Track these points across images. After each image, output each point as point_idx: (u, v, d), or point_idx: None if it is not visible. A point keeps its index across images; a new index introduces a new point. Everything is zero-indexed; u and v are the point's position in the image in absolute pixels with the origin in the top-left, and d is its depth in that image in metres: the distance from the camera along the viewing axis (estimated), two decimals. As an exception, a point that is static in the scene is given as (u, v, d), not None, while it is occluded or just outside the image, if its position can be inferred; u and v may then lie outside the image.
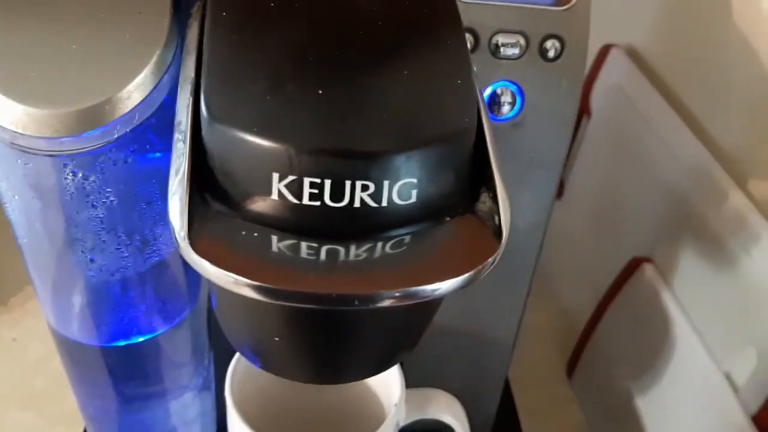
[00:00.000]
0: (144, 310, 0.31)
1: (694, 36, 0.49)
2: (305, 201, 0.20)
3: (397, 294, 0.19)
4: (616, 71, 0.57)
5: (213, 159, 0.21)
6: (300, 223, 0.20)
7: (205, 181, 0.21)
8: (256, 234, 0.20)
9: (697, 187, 0.45)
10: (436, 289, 0.19)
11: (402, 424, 0.34)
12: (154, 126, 0.26)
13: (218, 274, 0.18)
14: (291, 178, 0.19)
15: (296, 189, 0.19)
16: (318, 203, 0.20)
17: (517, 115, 0.32)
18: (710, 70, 0.47)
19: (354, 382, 0.37)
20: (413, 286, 0.19)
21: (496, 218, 0.20)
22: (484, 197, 0.21)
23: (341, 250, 0.20)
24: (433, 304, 0.24)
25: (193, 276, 0.32)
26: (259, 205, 0.20)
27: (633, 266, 0.54)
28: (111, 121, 0.24)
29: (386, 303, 0.19)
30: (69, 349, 0.32)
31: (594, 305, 0.58)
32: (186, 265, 0.31)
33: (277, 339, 0.24)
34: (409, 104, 0.20)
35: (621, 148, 0.56)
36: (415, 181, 0.20)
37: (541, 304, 0.45)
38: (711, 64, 0.47)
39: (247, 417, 0.31)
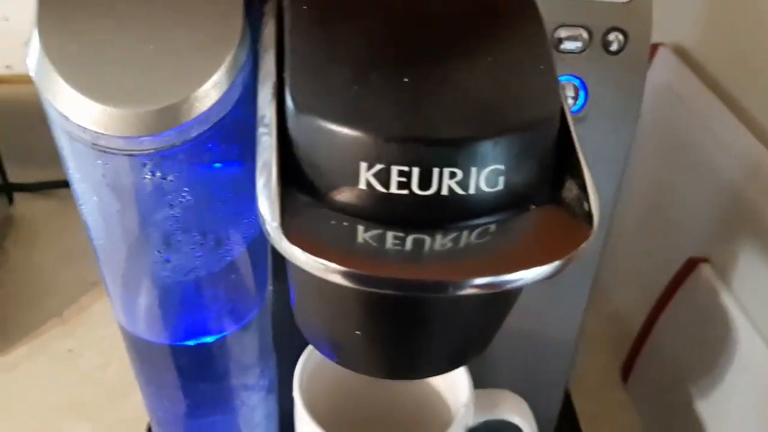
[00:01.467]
0: (214, 310, 0.31)
1: (743, 31, 0.49)
2: (393, 190, 0.20)
3: (490, 281, 0.18)
4: (664, 70, 0.56)
5: (299, 151, 0.21)
6: (387, 212, 0.20)
7: (290, 173, 0.21)
8: (344, 223, 0.20)
9: (754, 184, 0.45)
10: (529, 277, 0.19)
11: (470, 425, 0.34)
12: (229, 125, 0.26)
13: (311, 261, 0.18)
14: (379, 167, 0.19)
15: (384, 178, 0.19)
16: (406, 192, 0.20)
17: (580, 109, 0.32)
18: (762, 65, 0.46)
19: (420, 383, 0.37)
20: (506, 273, 0.19)
21: (585, 205, 0.20)
22: (570, 184, 0.21)
23: (429, 238, 0.20)
24: (513, 296, 0.24)
25: (261, 276, 0.32)
26: (346, 195, 0.20)
27: (690, 267, 0.53)
28: (189, 120, 0.24)
29: (478, 290, 0.19)
30: (139, 348, 0.32)
31: (648, 308, 0.57)
32: (255, 266, 0.31)
33: (357, 332, 0.24)
34: (493, 91, 0.20)
35: (673, 146, 0.55)
36: (502, 167, 0.20)
37: (591, 308, 0.45)
38: (762, 59, 0.46)
39: (315, 416, 0.31)
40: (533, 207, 0.21)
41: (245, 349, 0.34)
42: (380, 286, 0.19)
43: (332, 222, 0.20)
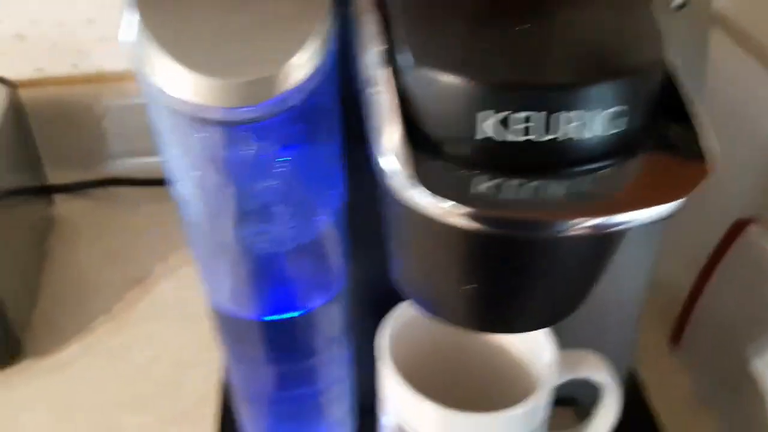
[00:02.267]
0: (303, 284, 0.31)
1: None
2: (511, 138, 0.20)
3: (614, 220, 0.19)
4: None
5: (413, 105, 0.21)
6: (505, 160, 0.20)
7: (405, 129, 0.21)
8: (464, 172, 0.20)
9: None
10: (651, 215, 0.19)
11: (555, 384, 0.34)
12: (320, 95, 0.26)
13: (436, 206, 0.19)
14: (499, 115, 0.20)
15: (503, 126, 0.20)
16: (523, 139, 0.20)
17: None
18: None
19: (503, 348, 0.38)
20: (627, 211, 0.19)
21: (699, 145, 0.20)
22: (678, 129, 0.21)
23: (547, 184, 0.20)
24: (615, 247, 0.24)
25: (343, 252, 0.32)
26: (463, 146, 0.20)
27: (737, 228, 0.53)
28: (286, 89, 0.25)
29: (602, 230, 0.19)
30: (228, 325, 0.32)
31: (695, 273, 0.57)
32: (339, 241, 0.31)
33: (465, 285, 0.24)
34: (603, 37, 0.21)
35: (716, 106, 0.55)
36: (616, 111, 0.20)
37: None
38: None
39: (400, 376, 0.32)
40: (645, 151, 0.21)
41: (330, 323, 0.34)
42: (503, 227, 0.19)
43: (452, 172, 0.20)
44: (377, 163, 0.21)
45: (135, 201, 0.72)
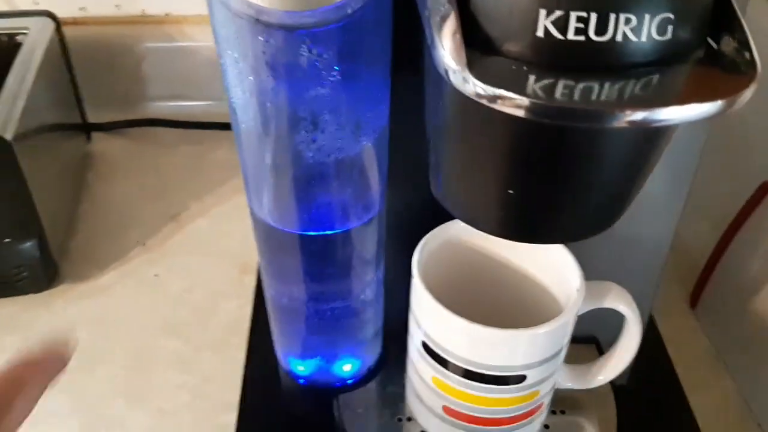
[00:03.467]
0: (345, 202, 0.33)
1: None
2: (570, 36, 0.21)
3: (668, 113, 0.20)
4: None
5: (474, 5, 0.22)
6: (561, 59, 0.21)
7: (465, 27, 0.22)
8: (523, 68, 0.21)
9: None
10: (700, 111, 0.20)
11: (580, 312, 0.36)
12: (378, 6, 0.28)
13: (493, 94, 0.20)
14: (558, 13, 0.21)
15: (562, 24, 0.21)
16: (582, 38, 0.21)
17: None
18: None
19: (531, 271, 0.39)
20: (676, 105, 0.20)
21: (747, 54, 0.22)
22: (727, 39, 0.23)
23: (602, 82, 0.21)
24: (659, 150, 0.26)
25: (382, 173, 0.34)
26: (521, 45, 0.22)
27: (762, 192, 0.53)
28: (346, -4, 0.26)
29: (653, 123, 0.20)
30: (270, 239, 0.34)
31: (717, 236, 0.58)
32: (379, 160, 0.33)
33: (509, 191, 0.25)
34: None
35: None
36: (671, 16, 0.21)
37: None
38: None
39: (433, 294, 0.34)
40: (694, 59, 0.22)
41: (366, 243, 0.36)
42: (556, 117, 0.20)
43: (511, 67, 0.21)
44: (436, 59, 0.22)
45: (171, 142, 0.74)
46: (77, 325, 0.55)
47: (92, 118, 0.72)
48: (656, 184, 0.36)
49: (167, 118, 0.75)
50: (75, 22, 0.73)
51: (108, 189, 0.68)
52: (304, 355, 0.41)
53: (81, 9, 0.73)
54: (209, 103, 0.77)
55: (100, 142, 0.73)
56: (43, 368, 0.27)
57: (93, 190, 0.68)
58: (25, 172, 0.52)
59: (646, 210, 0.39)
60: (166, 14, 0.74)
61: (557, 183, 0.25)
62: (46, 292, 0.58)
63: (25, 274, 0.56)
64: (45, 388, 0.28)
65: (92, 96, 0.72)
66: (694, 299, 0.60)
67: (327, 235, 0.34)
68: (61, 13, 0.66)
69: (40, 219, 0.55)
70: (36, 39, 0.62)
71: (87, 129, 0.72)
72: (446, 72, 0.22)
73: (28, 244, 0.55)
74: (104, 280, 0.60)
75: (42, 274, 0.57)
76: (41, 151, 0.59)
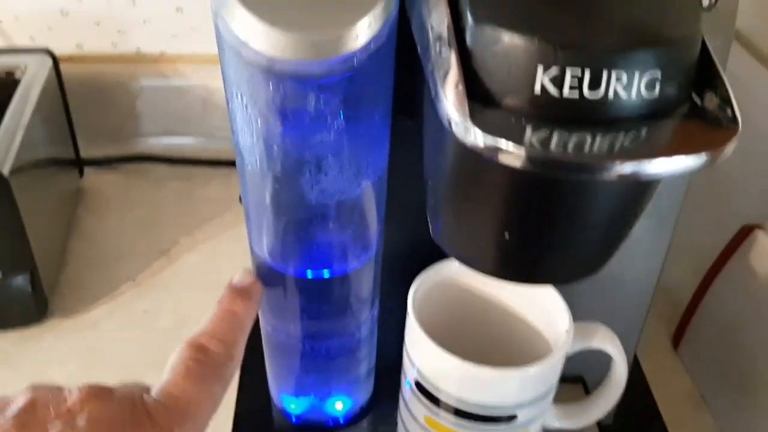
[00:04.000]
0: (343, 245, 0.34)
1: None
2: (565, 92, 0.23)
3: (659, 163, 0.21)
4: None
5: (475, 61, 0.24)
6: (555, 114, 0.23)
7: (467, 82, 0.24)
8: (521, 121, 0.23)
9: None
10: (687, 164, 0.22)
11: (569, 352, 0.37)
12: (383, 55, 0.29)
13: (494, 145, 0.22)
14: (555, 69, 0.22)
15: (558, 81, 0.23)
16: (576, 94, 0.23)
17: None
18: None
19: (520, 316, 0.40)
20: (664, 156, 0.22)
21: (729, 111, 0.23)
22: (710, 96, 0.24)
23: (595, 135, 0.23)
24: (646, 200, 0.27)
25: (380, 215, 0.35)
26: (518, 100, 0.23)
27: (743, 234, 0.55)
28: (354, 48, 0.27)
29: (642, 175, 0.22)
30: (268, 278, 0.35)
31: (699, 277, 0.59)
32: (378, 202, 0.34)
33: (505, 233, 0.27)
34: (651, 9, 0.24)
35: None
36: (659, 74, 0.23)
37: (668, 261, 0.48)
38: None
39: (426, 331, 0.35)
40: (680, 114, 0.24)
41: (363, 284, 0.37)
42: (551, 168, 0.22)
43: (511, 120, 0.23)
44: (440, 110, 0.24)
45: (163, 178, 0.75)
46: (64, 360, 0.55)
47: (85, 153, 0.73)
48: (641, 228, 0.38)
49: (159, 154, 0.76)
50: (72, 59, 0.74)
51: (99, 224, 0.69)
52: (297, 393, 0.42)
53: (78, 46, 0.74)
54: (201, 139, 0.78)
55: (93, 177, 0.74)
56: (247, 296, 0.29)
57: (84, 225, 0.68)
58: (20, 206, 0.53)
59: (632, 252, 0.40)
60: (161, 53, 0.75)
61: (551, 229, 0.27)
62: (35, 327, 0.58)
63: (15, 308, 0.56)
64: (254, 318, 0.32)
65: (86, 131, 0.73)
66: (677, 339, 0.61)
67: (323, 278, 0.35)
68: (58, 50, 0.67)
69: (33, 253, 0.56)
70: (34, 76, 0.63)
71: (80, 164, 0.72)
72: (449, 122, 0.23)
73: (19, 278, 0.55)
74: (94, 314, 0.60)
75: (33, 308, 0.57)
76: (35, 186, 0.59)
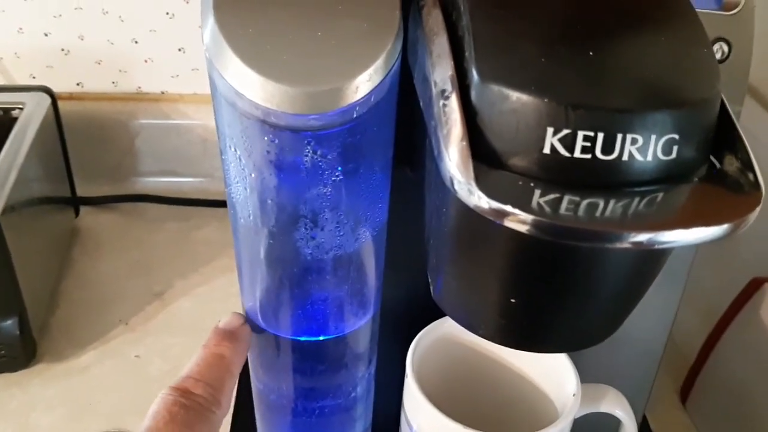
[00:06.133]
0: (340, 305, 0.32)
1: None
2: (577, 154, 0.21)
3: (672, 236, 0.20)
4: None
5: (481, 120, 0.22)
6: (566, 177, 0.22)
7: (471, 141, 0.22)
8: (530, 184, 0.21)
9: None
10: (705, 234, 0.20)
11: (576, 416, 0.35)
12: (383, 109, 0.28)
13: (500, 210, 0.20)
14: (565, 131, 0.21)
15: (569, 143, 0.21)
16: (588, 156, 0.21)
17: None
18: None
19: (527, 377, 0.38)
20: (682, 228, 0.20)
21: (750, 176, 0.22)
22: (730, 159, 0.23)
23: (607, 200, 0.21)
24: (658, 268, 0.26)
25: (378, 273, 0.34)
26: (527, 161, 0.22)
27: (753, 287, 0.54)
28: (354, 101, 0.26)
29: (657, 244, 0.20)
30: (260, 340, 0.33)
31: (707, 330, 0.58)
32: (377, 257, 0.33)
33: (512, 300, 0.25)
34: (668, 69, 0.22)
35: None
36: (676, 137, 0.22)
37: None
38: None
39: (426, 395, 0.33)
40: (698, 178, 0.23)
41: (360, 344, 0.35)
42: (560, 236, 0.20)
43: (517, 182, 0.21)
44: (442, 169, 0.22)
45: (159, 218, 0.74)
46: (51, 405, 0.53)
47: (82, 191, 0.72)
48: (651, 289, 0.36)
49: (156, 194, 0.75)
50: (72, 97, 0.73)
51: (93, 265, 0.67)
52: (290, 453, 0.40)
53: (78, 84, 0.74)
54: (200, 180, 0.77)
55: (88, 217, 0.73)
56: (234, 339, 0.27)
57: (77, 266, 0.67)
58: (11, 247, 0.52)
59: (641, 312, 0.38)
60: (162, 92, 0.75)
61: (559, 296, 0.25)
62: (23, 371, 0.56)
63: (2, 352, 0.54)
64: (242, 363, 0.30)
65: (84, 170, 0.72)
66: (685, 394, 0.60)
67: (319, 340, 0.33)
68: (58, 88, 0.67)
69: (22, 296, 0.54)
70: (31, 114, 0.62)
71: (76, 203, 0.71)
72: (452, 182, 0.22)
73: (8, 323, 0.54)
74: (84, 359, 0.58)
75: (21, 352, 0.55)
76: (28, 226, 0.58)
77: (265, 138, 0.27)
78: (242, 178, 0.29)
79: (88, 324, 0.61)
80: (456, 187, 0.21)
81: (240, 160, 0.28)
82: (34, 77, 0.72)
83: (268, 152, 0.27)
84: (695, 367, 0.58)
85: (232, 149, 0.28)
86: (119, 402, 0.54)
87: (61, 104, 0.66)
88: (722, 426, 0.55)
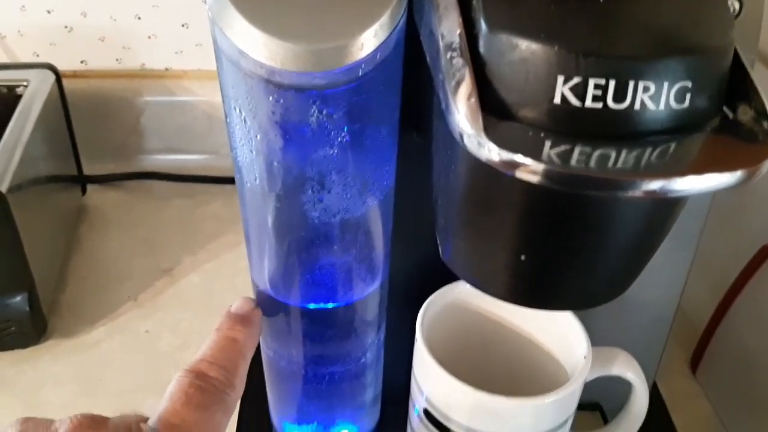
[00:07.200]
0: (348, 271, 0.32)
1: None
2: (588, 103, 0.21)
3: (690, 181, 0.20)
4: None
5: (489, 71, 0.22)
6: (577, 127, 0.21)
7: (480, 92, 0.22)
8: (540, 134, 0.21)
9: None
10: (718, 181, 0.20)
11: (587, 380, 0.35)
12: (387, 68, 0.28)
13: (510, 160, 0.20)
14: (576, 80, 0.21)
15: (580, 91, 0.21)
16: (600, 105, 0.21)
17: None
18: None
19: (537, 341, 0.38)
20: (696, 174, 0.20)
21: (765, 124, 0.21)
22: (744, 109, 0.22)
23: (619, 150, 0.21)
24: (671, 221, 0.25)
25: (386, 239, 0.33)
26: (537, 111, 0.21)
27: (763, 254, 0.53)
28: (359, 58, 0.26)
29: (672, 192, 0.20)
30: (270, 308, 0.33)
31: (717, 298, 0.57)
32: (385, 222, 0.32)
33: (522, 256, 0.25)
34: (681, 16, 0.22)
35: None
36: (689, 85, 0.21)
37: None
38: None
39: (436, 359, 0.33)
40: (712, 128, 0.22)
41: (369, 311, 0.35)
42: (572, 185, 0.20)
43: (528, 133, 0.21)
44: (451, 123, 0.22)
45: (166, 195, 0.73)
46: (62, 381, 0.54)
47: (88, 170, 0.72)
48: (662, 248, 0.36)
49: (163, 171, 0.74)
50: (75, 75, 0.73)
51: (101, 242, 0.67)
52: (300, 421, 0.40)
53: (82, 62, 0.73)
54: (206, 156, 0.77)
55: (95, 195, 0.72)
56: (247, 323, 0.28)
57: (85, 243, 0.67)
58: (18, 224, 0.52)
59: (652, 275, 0.38)
60: (166, 69, 0.74)
61: (570, 251, 0.25)
62: (33, 348, 0.56)
63: (13, 328, 0.54)
64: (255, 346, 0.31)
65: (89, 148, 0.71)
66: (695, 363, 0.59)
67: (328, 308, 0.33)
68: (62, 66, 0.66)
69: (32, 273, 0.54)
70: (36, 91, 0.62)
71: (82, 181, 0.71)
72: (461, 136, 0.21)
73: (17, 298, 0.54)
74: (93, 335, 0.58)
75: (31, 329, 0.55)
76: (35, 203, 0.58)
77: (270, 98, 0.27)
78: (247, 140, 0.28)
79: (97, 301, 0.61)
80: (465, 140, 0.21)
81: (245, 122, 0.28)
82: (37, 55, 0.72)
83: (273, 113, 0.27)
84: (705, 336, 0.58)
85: (237, 111, 0.28)
86: (130, 377, 0.54)
87: (65, 82, 0.66)
88: (732, 394, 0.54)
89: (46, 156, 0.62)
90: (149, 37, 0.72)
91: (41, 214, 0.60)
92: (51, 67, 0.64)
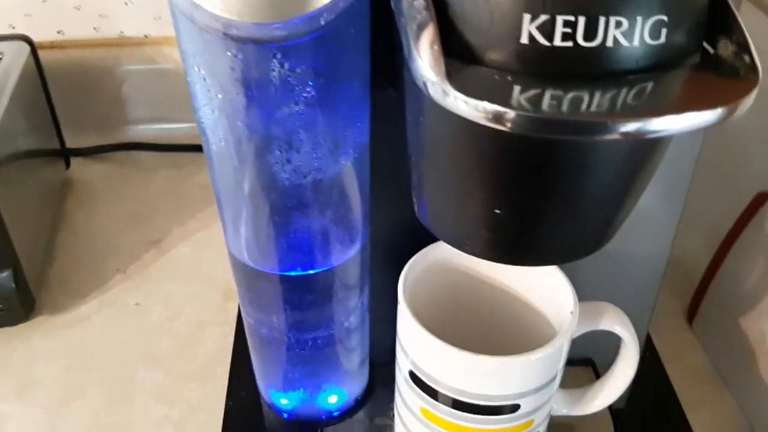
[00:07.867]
0: (326, 236, 0.31)
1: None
2: (557, 42, 0.19)
3: (662, 122, 0.18)
4: None
5: (452, 12, 0.21)
6: (546, 68, 0.20)
7: (443, 37, 0.21)
8: (507, 78, 0.20)
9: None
10: (699, 120, 0.19)
11: (574, 336, 0.34)
12: (353, 18, 0.26)
13: (475, 109, 0.18)
14: (543, 17, 0.19)
15: (548, 29, 0.19)
16: (570, 44, 0.19)
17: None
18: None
19: (523, 298, 0.37)
20: (674, 114, 0.18)
21: (746, 58, 0.20)
22: (725, 43, 0.21)
23: (592, 91, 0.20)
24: (651, 170, 0.24)
25: (364, 200, 0.32)
26: (504, 53, 0.20)
27: (758, 202, 0.52)
28: (319, 6, 0.24)
29: (649, 133, 0.19)
30: (248, 277, 0.32)
31: (713, 248, 0.56)
32: (361, 183, 0.31)
33: (496, 210, 0.24)
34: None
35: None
36: (665, 18, 0.20)
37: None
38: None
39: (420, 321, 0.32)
40: (691, 64, 0.21)
41: (350, 275, 0.34)
42: (544, 130, 0.19)
43: (494, 77, 0.20)
44: (414, 70, 0.21)
45: (152, 166, 0.72)
46: (53, 357, 0.53)
47: (71, 143, 0.70)
48: (649, 199, 0.35)
49: (148, 142, 0.73)
50: (53, 45, 0.71)
51: (87, 216, 0.66)
52: (286, 388, 0.39)
53: (59, 32, 0.71)
54: (192, 125, 0.75)
55: (80, 168, 0.71)
56: None
57: (72, 218, 0.66)
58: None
59: (640, 226, 0.37)
60: (145, 36, 0.72)
61: (546, 201, 0.24)
62: (22, 324, 0.56)
63: (0, 306, 0.54)
64: None
65: (71, 121, 0.70)
66: (691, 314, 0.59)
67: (307, 274, 0.32)
68: (38, 37, 0.64)
69: (15, 249, 0.53)
70: (10, 64, 0.60)
71: (66, 154, 0.70)
72: (424, 84, 0.20)
73: (2, 276, 0.53)
74: (83, 310, 0.57)
75: (18, 306, 0.55)
76: (16, 179, 0.57)
77: (228, 53, 0.25)
78: (209, 99, 0.27)
79: (85, 275, 0.60)
80: (429, 88, 0.20)
81: (205, 80, 0.27)
82: (13, 27, 0.70)
83: (232, 69, 0.26)
84: (701, 287, 0.57)
85: (196, 69, 0.27)
86: (121, 350, 0.54)
87: (43, 53, 0.64)
88: (729, 344, 0.54)
89: (25, 130, 0.61)
90: (126, 4, 0.70)
91: (23, 190, 0.58)
92: (26, 38, 0.62)
